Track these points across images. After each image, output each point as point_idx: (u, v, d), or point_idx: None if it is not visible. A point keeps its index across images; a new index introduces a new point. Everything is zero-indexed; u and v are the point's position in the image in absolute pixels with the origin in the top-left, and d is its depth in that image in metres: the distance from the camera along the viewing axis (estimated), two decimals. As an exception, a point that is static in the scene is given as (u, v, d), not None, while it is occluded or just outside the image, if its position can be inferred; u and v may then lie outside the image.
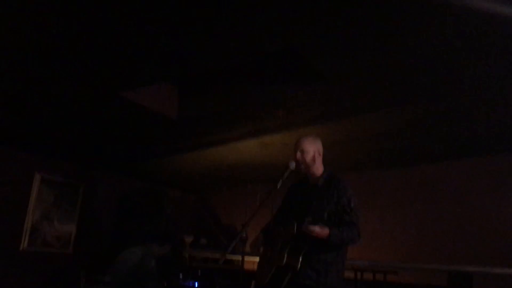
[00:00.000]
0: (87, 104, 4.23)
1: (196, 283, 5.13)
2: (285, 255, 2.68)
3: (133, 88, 3.87)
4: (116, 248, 5.31)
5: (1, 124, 4.87)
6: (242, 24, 2.77)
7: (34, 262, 5.73)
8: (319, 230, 2.59)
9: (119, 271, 4.23)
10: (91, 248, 6.30)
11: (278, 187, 2.77)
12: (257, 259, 3.05)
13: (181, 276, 5.13)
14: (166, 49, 3.15)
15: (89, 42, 3.10)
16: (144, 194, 6.56)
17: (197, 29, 2.85)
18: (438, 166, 5.16)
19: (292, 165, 2.83)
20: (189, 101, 4.27)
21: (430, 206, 5.09)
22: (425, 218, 5.08)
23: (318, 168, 2.94)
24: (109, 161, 6.22)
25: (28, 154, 5.79)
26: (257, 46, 3.02)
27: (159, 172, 6.70)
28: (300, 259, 2.64)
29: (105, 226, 6.47)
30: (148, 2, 2.60)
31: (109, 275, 4.28)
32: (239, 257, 5.19)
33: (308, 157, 2.89)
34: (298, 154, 2.89)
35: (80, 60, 3.38)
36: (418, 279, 4.66)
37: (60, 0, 2.63)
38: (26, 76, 3.69)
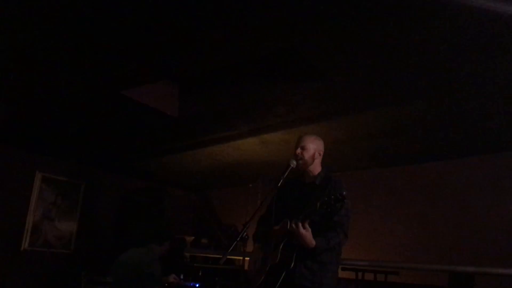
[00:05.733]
0: (88, 102, 4.24)
1: (198, 283, 5.12)
2: (279, 252, 2.67)
3: (134, 86, 3.87)
4: (117, 247, 5.30)
5: (2, 122, 4.87)
6: (243, 23, 2.77)
7: (35, 262, 5.73)
8: (305, 233, 2.54)
9: (120, 271, 4.22)
10: (92, 247, 6.31)
11: (279, 185, 2.76)
12: None
13: (182, 276, 5.11)
14: (166, 47, 3.15)
15: (90, 41, 3.10)
16: (145, 193, 6.56)
17: (198, 28, 2.85)
18: (439, 165, 5.14)
19: (293, 163, 2.82)
20: (190, 99, 4.27)
21: (431, 205, 5.07)
22: (426, 217, 5.07)
23: (316, 168, 2.93)
24: (110, 160, 6.22)
25: (29, 153, 5.80)
26: (258, 44, 3.02)
27: (160, 170, 6.70)
28: (294, 256, 2.62)
29: (106, 226, 6.47)
30: (148, 1, 2.60)
31: (110, 275, 4.27)
32: (240, 257, 5.20)
33: (308, 155, 2.87)
34: (298, 150, 2.87)
35: (81, 59, 3.39)
36: (419, 280, 4.64)
37: (62, 0, 2.63)
38: (27, 75, 3.69)
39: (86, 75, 3.67)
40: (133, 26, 2.89)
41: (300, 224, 2.56)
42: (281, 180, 2.76)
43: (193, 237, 6.61)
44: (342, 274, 4.28)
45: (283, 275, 2.63)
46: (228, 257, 5.59)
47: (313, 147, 2.90)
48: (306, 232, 2.55)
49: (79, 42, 3.13)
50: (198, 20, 2.76)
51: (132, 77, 3.70)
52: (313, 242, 2.57)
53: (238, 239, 2.63)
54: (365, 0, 2.45)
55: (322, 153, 2.95)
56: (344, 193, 2.51)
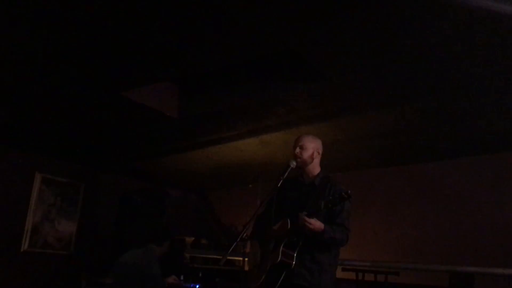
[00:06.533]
0: (88, 103, 4.24)
1: (198, 285, 5.12)
2: (280, 252, 2.67)
3: (133, 87, 3.87)
4: (117, 249, 5.30)
5: (2, 124, 4.87)
6: (243, 23, 2.77)
7: (35, 263, 5.73)
8: (314, 222, 2.58)
9: (120, 273, 4.22)
10: (92, 249, 6.30)
11: (279, 185, 2.76)
12: None
13: (182, 277, 5.11)
14: (166, 48, 3.15)
15: (90, 42, 3.10)
16: (145, 194, 6.54)
17: (198, 29, 2.85)
18: (438, 165, 5.14)
19: (293, 163, 2.83)
20: (190, 100, 4.27)
21: (431, 205, 5.07)
22: (426, 217, 5.06)
23: (315, 168, 2.94)
24: (110, 161, 6.22)
25: (29, 154, 5.79)
26: (258, 45, 3.02)
27: (160, 171, 6.70)
28: (295, 256, 2.63)
29: (106, 227, 6.46)
30: (148, 2, 2.59)
31: (110, 277, 4.26)
32: (240, 258, 5.20)
33: (306, 154, 2.88)
34: (297, 150, 2.89)
35: (81, 60, 3.38)
36: (419, 280, 4.64)
37: (61, 1, 2.63)
38: (27, 76, 3.69)
39: (86, 76, 3.67)
40: (132, 27, 2.89)
41: (304, 216, 2.58)
42: (281, 180, 2.77)
43: (193, 238, 6.61)
44: (342, 275, 4.29)
45: (283, 275, 2.63)
46: (228, 257, 5.61)
47: (312, 147, 2.91)
48: (312, 219, 2.57)
49: (78, 43, 3.13)
50: (198, 21, 2.76)
51: (132, 78, 3.69)
52: (322, 225, 2.60)
53: (238, 239, 2.64)
54: (364, 0, 2.45)
55: (320, 152, 2.96)
56: (349, 191, 2.53)
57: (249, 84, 3.86)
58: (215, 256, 6.12)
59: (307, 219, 2.58)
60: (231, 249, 2.62)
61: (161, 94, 4.16)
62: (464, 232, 4.72)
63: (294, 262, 2.62)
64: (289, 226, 2.70)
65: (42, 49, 3.25)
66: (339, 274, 3.33)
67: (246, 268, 3.06)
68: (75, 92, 3.96)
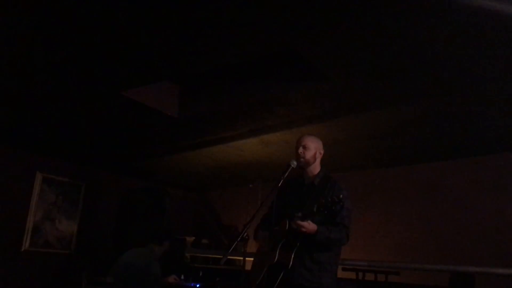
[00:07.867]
0: (88, 103, 4.24)
1: (198, 284, 5.13)
2: (277, 252, 2.68)
3: (134, 87, 3.88)
4: (118, 248, 5.31)
5: (3, 123, 4.88)
6: (243, 23, 2.77)
7: (35, 262, 5.74)
8: (307, 225, 2.59)
9: (121, 272, 4.23)
10: (93, 248, 6.31)
11: (279, 185, 2.77)
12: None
13: (182, 277, 5.12)
14: (166, 48, 3.15)
15: (90, 41, 3.11)
16: (145, 193, 6.56)
17: (198, 28, 2.85)
18: (439, 165, 5.15)
19: (294, 163, 2.84)
20: (190, 99, 4.28)
21: (432, 205, 5.07)
22: (427, 218, 5.07)
23: (316, 168, 2.97)
24: (111, 160, 6.22)
25: (30, 153, 5.80)
26: (258, 45, 3.03)
27: (161, 171, 6.71)
28: (292, 256, 2.63)
29: (106, 226, 6.48)
30: (148, 1, 2.60)
31: (110, 276, 4.27)
32: (240, 258, 5.20)
33: (309, 154, 2.90)
34: (300, 150, 2.91)
35: (81, 59, 3.39)
36: (420, 280, 4.64)
37: (61, 1, 2.63)
38: (28, 75, 3.70)
39: (86, 76, 3.68)
40: (133, 26, 2.89)
41: (298, 221, 2.59)
42: (281, 180, 2.77)
43: (193, 238, 6.62)
44: (343, 274, 4.30)
45: (281, 275, 2.64)
46: (229, 257, 5.61)
47: (314, 147, 2.93)
48: (305, 222, 2.59)
49: (79, 43, 3.14)
50: (198, 20, 2.77)
51: (133, 77, 3.70)
52: (315, 227, 2.61)
53: (238, 239, 2.64)
54: (364, 0, 2.45)
55: (322, 153, 2.98)
56: (341, 195, 2.53)
57: (249, 84, 3.86)
58: (215, 256, 6.13)
59: (299, 222, 2.59)
60: (231, 249, 2.63)
61: (161, 94, 4.16)
62: (464, 232, 4.72)
63: (291, 263, 2.63)
64: (287, 227, 2.71)
65: (42, 49, 3.26)
66: (339, 273, 3.33)
67: (247, 268, 3.06)
68: (75, 91, 3.97)
